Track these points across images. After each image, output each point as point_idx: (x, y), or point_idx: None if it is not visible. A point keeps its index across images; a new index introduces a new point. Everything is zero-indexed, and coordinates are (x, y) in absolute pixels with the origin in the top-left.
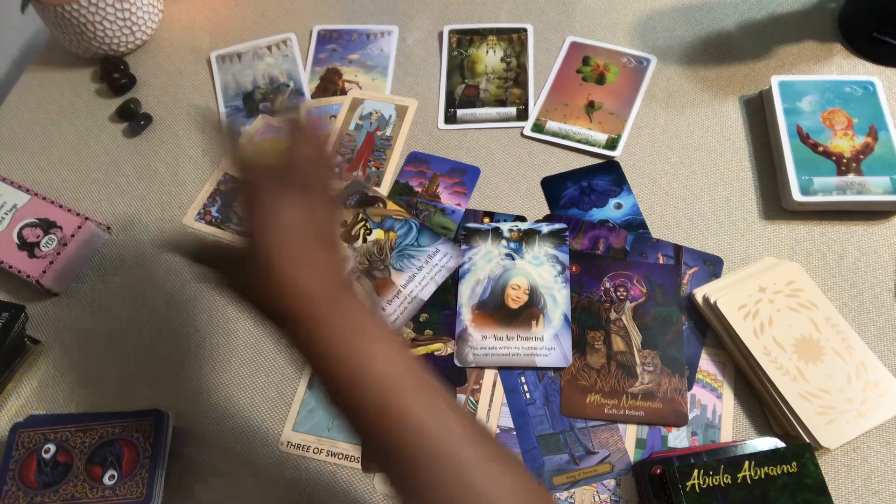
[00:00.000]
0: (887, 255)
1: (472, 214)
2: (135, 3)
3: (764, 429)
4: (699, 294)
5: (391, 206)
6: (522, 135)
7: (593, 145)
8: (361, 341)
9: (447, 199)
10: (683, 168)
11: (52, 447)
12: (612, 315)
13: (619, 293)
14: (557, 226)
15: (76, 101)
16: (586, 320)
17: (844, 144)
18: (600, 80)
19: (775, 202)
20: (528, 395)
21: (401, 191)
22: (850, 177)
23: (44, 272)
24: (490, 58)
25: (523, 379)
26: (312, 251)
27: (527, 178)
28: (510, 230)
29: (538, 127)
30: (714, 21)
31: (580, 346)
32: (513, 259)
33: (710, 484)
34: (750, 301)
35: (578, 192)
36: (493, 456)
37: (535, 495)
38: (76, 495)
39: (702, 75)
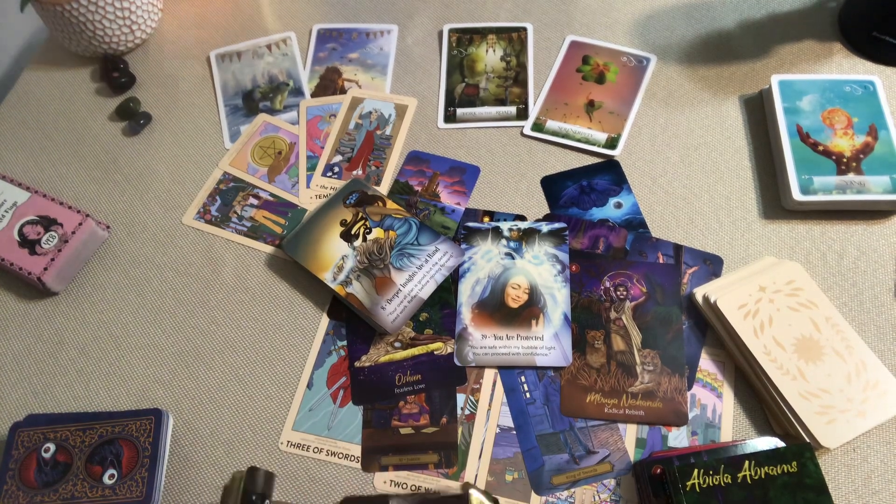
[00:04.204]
0: (887, 255)
1: (471, 213)
2: (134, 2)
3: (764, 428)
4: (699, 293)
5: (391, 204)
6: (522, 134)
7: (593, 144)
8: None
9: (447, 198)
10: (683, 167)
11: (52, 446)
12: (612, 314)
13: (619, 292)
14: (557, 225)
15: (76, 99)
16: (586, 320)
17: (844, 144)
18: (600, 79)
19: (775, 201)
20: (528, 395)
21: (400, 190)
22: (850, 176)
23: (45, 269)
24: (490, 57)
25: (523, 378)
26: None
27: (526, 177)
28: (510, 229)
29: (538, 126)
30: (714, 20)
31: (580, 345)
32: (513, 258)
33: (710, 483)
34: (750, 300)
35: (578, 192)
36: None
37: None
38: (76, 495)
39: (702, 74)
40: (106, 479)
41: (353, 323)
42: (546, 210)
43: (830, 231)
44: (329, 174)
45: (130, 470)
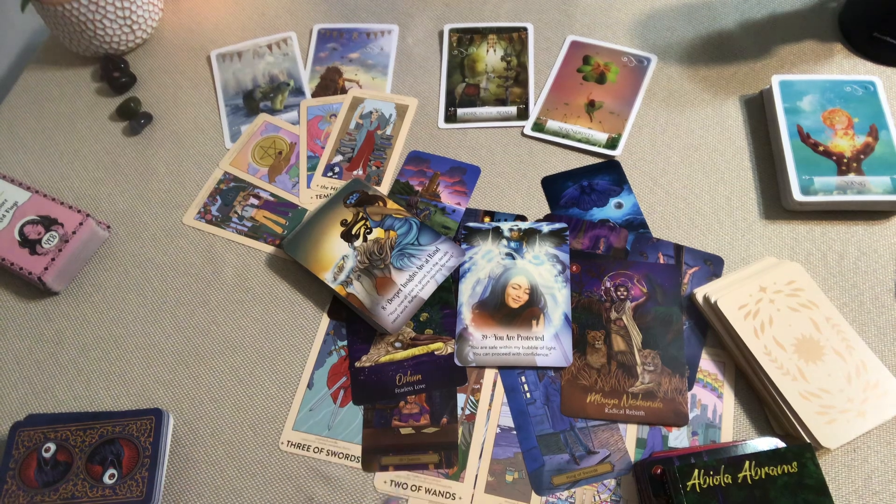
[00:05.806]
0: (887, 255)
1: (472, 214)
2: (135, 2)
3: (764, 429)
4: (699, 294)
5: (391, 204)
6: (523, 134)
7: (594, 144)
8: None
9: (447, 198)
10: (684, 167)
11: (52, 446)
12: (613, 315)
13: (619, 293)
14: (558, 225)
15: (76, 99)
16: (587, 320)
17: (845, 144)
18: (601, 79)
19: (776, 202)
20: (528, 395)
21: (401, 190)
22: (851, 176)
23: (46, 269)
24: (490, 57)
25: (524, 378)
26: None
27: (527, 177)
28: (510, 229)
29: (538, 126)
30: (715, 20)
31: (580, 345)
32: (513, 258)
33: (711, 484)
34: (750, 301)
35: (579, 192)
36: None
37: None
38: (76, 494)
39: (702, 74)
40: (106, 479)
41: (353, 323)
42: (546, 210)
43: (831, 231)
44: (329, 174)
45: (131, 470)
